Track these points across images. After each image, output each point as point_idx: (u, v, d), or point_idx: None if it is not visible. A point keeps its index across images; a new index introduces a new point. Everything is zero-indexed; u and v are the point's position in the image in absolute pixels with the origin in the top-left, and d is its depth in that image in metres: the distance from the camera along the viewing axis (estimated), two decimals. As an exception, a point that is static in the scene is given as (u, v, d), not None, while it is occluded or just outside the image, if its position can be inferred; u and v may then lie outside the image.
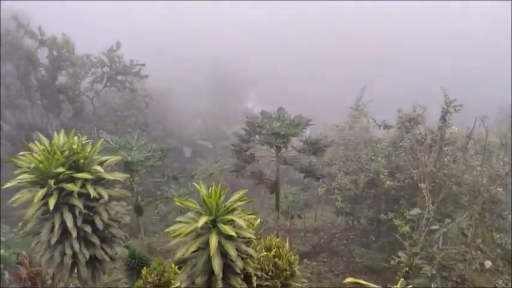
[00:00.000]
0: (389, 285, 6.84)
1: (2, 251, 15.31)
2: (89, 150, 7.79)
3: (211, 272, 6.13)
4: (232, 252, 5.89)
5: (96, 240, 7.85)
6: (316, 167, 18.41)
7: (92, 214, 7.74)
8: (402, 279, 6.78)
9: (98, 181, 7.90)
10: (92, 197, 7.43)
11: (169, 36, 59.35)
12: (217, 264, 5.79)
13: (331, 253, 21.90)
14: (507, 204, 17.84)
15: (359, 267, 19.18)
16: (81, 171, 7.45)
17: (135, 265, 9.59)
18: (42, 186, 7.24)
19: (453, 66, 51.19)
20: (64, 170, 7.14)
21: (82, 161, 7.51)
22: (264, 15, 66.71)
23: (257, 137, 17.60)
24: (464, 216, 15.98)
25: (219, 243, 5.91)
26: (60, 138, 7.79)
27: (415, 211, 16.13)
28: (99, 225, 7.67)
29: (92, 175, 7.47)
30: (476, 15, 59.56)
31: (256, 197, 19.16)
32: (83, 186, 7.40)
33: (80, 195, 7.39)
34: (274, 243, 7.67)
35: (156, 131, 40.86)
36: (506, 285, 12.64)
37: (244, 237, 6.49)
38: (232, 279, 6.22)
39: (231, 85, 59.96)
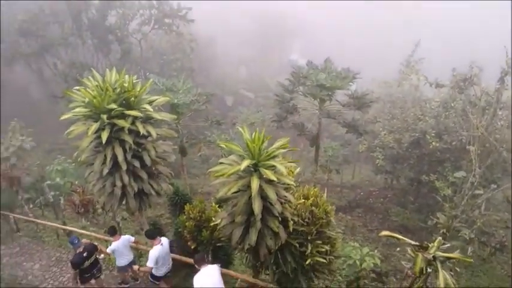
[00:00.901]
0: (425, 243, 6.82)
1: (58, 179, 16.62)
2: (138, 89, 8.02)
3: (251, 212, 6.37)
4: (272, 196, 6.05)
5: (143, 175, 8.33)
6: (359, 123, 18.00)
7: (140, 150, 8.14)
8: (440, 238, 6.76)
9: (147, 120, 8.21)
10: (141, 134, 7.77)
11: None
12: (257, 206, 6.00)
13: (366, 209, 21.98)
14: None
15: (394, 225, 19.22)
16: (132, 108, 7.75)
17: (178, 202, 10.14)
18: (96, 121, 7.64)
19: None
20: (116, 106, 7.46)
21: (132, 99, 7.78)
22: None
23: (301, 88, 17.34)
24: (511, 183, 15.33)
25: (260, 186, 6.07)
26: (112, 76, 8.06)
27: (460, 174, 15.65)
28: (147, 161, 8.08)
29: (141, 113, 7.75)
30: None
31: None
32: (133, 123, 7.72)
33: (130, 131, 7.74)
34: (312, 192, 7.77)
35: (199, 77, 41.19)
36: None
37: (283, 183, 6.62)
38: (270, 221, 6.45)
39: (276, 36, 58.47)
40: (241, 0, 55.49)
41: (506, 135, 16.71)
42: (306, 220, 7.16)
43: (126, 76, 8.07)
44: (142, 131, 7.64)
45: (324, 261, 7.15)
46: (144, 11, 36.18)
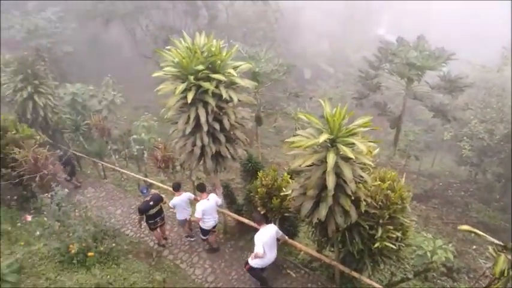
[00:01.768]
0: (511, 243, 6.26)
1: (143, 134, 17.91)
2: (224, 54, 8.18)
3: (323, 187, 6.32)
4: (347, 174, 5.92)
5: (222, 138, 8.61)
6: (448, 108, 16.68)
7: (221, 114, 8.39)
8: (530, 241, 6.15)
9: (230, 85, 8.38)
10: (223, 98, 7.99)
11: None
12: (331, 181, 5.92)
13: (443, 201, 20.63)
14: None
15: (473, 221, 17.87)
16: (217, 72, 7.95)
17: (251, 168, 10.37)
18: (183, 81, 7.99)
19: None
20: (203, 68, 7.71)
21: (218, 62, 7.96)
22: None
23: (387, 65, 16.43)
24: None
25: (336, 162, 5.95)
26: (201, 39, 8.29)
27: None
28: (226, 125, 8.32)
29: (225, 78, 7.92)
30: None
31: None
32: (217, 87, 7.94)
33: (213, 94, 7.99)
34: (389, 175, 7.46)
35: (281, 47, 40.77)
36: None
37: (360, 162, 6.43)
38: (342, 198, 6.35)
39: (362, 9, 55.34)
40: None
41: None
42: (380, 203, 6.93)
43: (214, 40, 8.25)
44: (225, 95, 7.84)
45: (393, 247, 6.92)
46: (234, -23, 36.42)
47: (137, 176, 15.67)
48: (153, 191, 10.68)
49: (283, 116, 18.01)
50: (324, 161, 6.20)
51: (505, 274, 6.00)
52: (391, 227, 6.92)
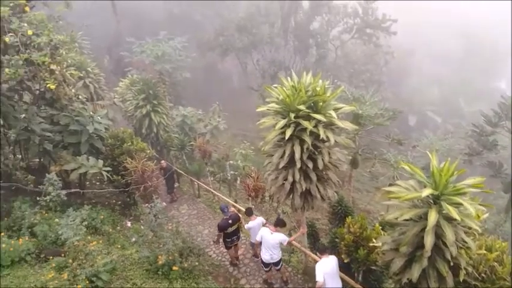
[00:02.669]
0: None
1: (239, 161, 18.68)
2: (328, 94, 8.24)
3: (419, 246, 5.84)
4: (449, 236, 5.39)
5: (313, 176, 8.55)
6: None
7: (316, 153, 8.38)
8: None
9: (329, 125, 8.37)
10: (320, 138, 8.00)
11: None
12: (429, 242, 5.44)
13: None
14: None
15: None
16: (318, 112, 8.02)
17: (340, 211, 10.09)
18: (284, 117, 8.22)
19: None
20: (304, 107, 7.86)
21: (321, 103, 8.06)
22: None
23: (508, 123, 14.86)
24: None
25: (437, 221, 5.49)
26: (307, 79, 8.51)
27: None
28: (320, 164, 8.26)
29: (325, 118, 7.95)
30: None
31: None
32: (315, 126, 7.99)
33: (310, 133, 8.05)
34: (498, 245, 6.62)
35: (386, 91, 39.67)
36: None
37: (464, 226, 5.83)
38: (439, 262, 5.78)
39: (482, 58, 51.11)
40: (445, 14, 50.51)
41: None
42: (483, 275, 6.15)
43: (320, 81, 8.39)
44: (322, 135, 7.84)
45: (493, 329, 6.02)
46: (348, 19, 36.88)
47: (227, 199, 16.28)
48: (232, 209, 11.21)
49: (381, 162, 17.26)
50: (423, 217, 5.79)
51: None
52: (494, 306, 6.06)
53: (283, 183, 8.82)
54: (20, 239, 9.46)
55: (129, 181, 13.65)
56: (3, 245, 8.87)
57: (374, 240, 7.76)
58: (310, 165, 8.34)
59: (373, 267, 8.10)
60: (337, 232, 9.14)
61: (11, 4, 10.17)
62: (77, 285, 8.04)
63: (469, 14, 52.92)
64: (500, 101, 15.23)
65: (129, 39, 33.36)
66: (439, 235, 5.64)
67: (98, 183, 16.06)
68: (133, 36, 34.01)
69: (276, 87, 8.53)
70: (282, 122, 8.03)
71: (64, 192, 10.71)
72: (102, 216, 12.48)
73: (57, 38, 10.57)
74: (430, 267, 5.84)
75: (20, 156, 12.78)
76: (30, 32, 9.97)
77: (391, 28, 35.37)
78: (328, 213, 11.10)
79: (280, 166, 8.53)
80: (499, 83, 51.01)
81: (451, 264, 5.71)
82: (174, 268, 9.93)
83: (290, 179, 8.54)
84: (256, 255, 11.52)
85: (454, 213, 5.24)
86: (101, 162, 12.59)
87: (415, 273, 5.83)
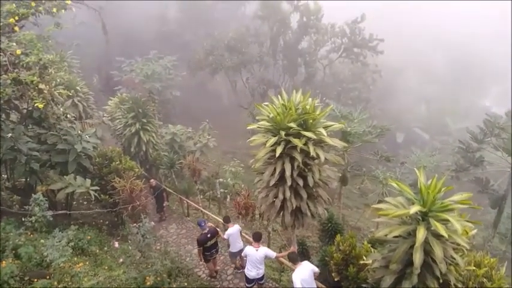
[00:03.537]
0: None
1: (229, 179, 18.63)
2: (318, 113, 8.35)
3: (408, 263, 5.86)
4: (438, 253, 5.42)
5: (304, 194, 8.57)
6: None
7: (306, 171, 8.42)
8: None
9: (318, 143, 8.45)
10: (310, 155, 8.06)
11: (414, 14, 55.57)
12: (418, 259, 5.46)
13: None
14: None
15: None
16: (308, 130, 8.11)
17: (330, 229, 10.08)
18: (274, 135, 8.28)
19: None
20: (294, 125, 7.95)
21: (311, 121, 8.16)
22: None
23: (493, 139, 15.17)
24: None
25: (426, 238, 5.52)
26: (297, 97, 8.63)
27: None
28: (310, 181, 8.29)
29: (315, 136, 8.04)
30: None
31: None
32: (305, 144, 8.06)
33: (301, 151, 8.11)
34: (486, 261, 6.68)
35: (374, 109, 40.24)
36: None
37: (453, 242, 5.87)
38: (428, 279, 5.78)
39: (469, 76, 52.42)
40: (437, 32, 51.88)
41: None
42: (472, 291, 6.18)
43: (310, 99, 8.51)
44: (312, 152, 7.90)
45: None
46: (336, 39, 37.64)
47: (217, 218, 16.13)
48: (209, 224, 11.26)
49: (370, 179, 17.39)
50: (412, 234, 5.81)
51: None
52: (484, 322, 6.07)
53: (274, 201, 8.81)
54: (3, 261, 9.19)
55: (117, 200, 13.49)
56: (-15, 268, 8.62)
57: (364, 257, 7.75)
58: (301, 182, 8.38)
59: (364, 285, 8.04)
60: (327, 250, 9.11)
61: (1, 24, 10.18)
62: (62, 308, 7.82)
63: (457, 31, 54.35)
64: (485, 118, 15.57)
65: (119, 58, 33.50)
66: (428, 252, 5.67)
67: (85, 202, 15.81)
68: (123, 55, 34.17)
69: (266, 105, 8.62)
70: (273, 140, 8.09)
71: (50, 213, 10.51)
72: (89, 237, 12.23)
73: (46, 57, 10.54)
74: (420, 284, 5.85)
75: (6, 176, 12.55)
76: (19, 52, 9.95)
77: (378, 47, 36.16)
78: (318, 231, 11.08)
79: (271, 184, 8.54)
80: (485, 101, 52.17)
81: (441, 281, 5.73)
82: (163, 289, 9.74)
83: (281, 196, 8.55)
84: (238, 267, 11.64)
85: (441, 229, 5.29)
86: (88, 181, 12.43)
87: (405, 290, 5.83)
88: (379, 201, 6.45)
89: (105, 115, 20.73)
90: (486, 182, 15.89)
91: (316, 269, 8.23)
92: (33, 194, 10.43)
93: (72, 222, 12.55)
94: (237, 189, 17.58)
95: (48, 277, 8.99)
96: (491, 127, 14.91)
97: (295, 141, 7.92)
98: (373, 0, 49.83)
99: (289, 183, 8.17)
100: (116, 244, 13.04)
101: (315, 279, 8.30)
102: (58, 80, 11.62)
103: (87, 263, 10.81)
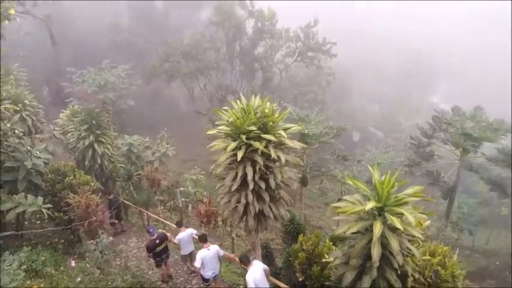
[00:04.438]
0: None
1: (190, 187, 18.38)
2: (276, 116, 8.48)
3: (368, 257, 6.05)
4: (394, 246, 5.65)
5: (266, 197, 8.63)
6: (506, 182, 15.71)
7: (268, 173, 8.51)
8: None
9: (279, 145, 8.57)
10: (271, 158, 8.15)
11: (366, 15, 57.88)
12: (376, 253, 5.67)
13: (500, 283, 18.68)
14: None
15: (538, 310, 15.93)
16: (268, 133, 8.21)
17: (292, 230, 10.22)
18: (234, 140, 8.30)
19: None
20: (254, 129, 8.02)
21: (270, 124, 8.27)
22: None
23: (442, 134, 16.07)
24: None
25: (382, 232, 5.74)
26: (255, 101, 8.72)
27: None
28: (272, 184, 8.38)
29: (275, 138, 8.15)
30: None
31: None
32: (266, 146, 8.15)
33: (262, 154, 8.18)
34: (440, 250, 7.04)
35: (330, 110, 41.37)
36: None
37: (408, 234, 6.14)
38: (387, 271, 6.01)
39: (418, 75, 55.36)
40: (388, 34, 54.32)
41: None
42: (428, 280, 6.48)
43: (268, 103, 8.63)
44: (273, 155, 8.00)
45: (442, 329, 6.33)
46: (291, 44, 38.33)
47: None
48: (159, 230, 11.22)
49: (329, 178, 17.85)
50: (370, 229, 6.00)
51: None
52: (441, 307, 6.39)
53: (236, 206, 8.80)
54: None
55: (72, 217, 12.89)
56: None
57: (326, 255, 7.92)
58: (263, 185, 8.43)
59: (327, 283, 8.21)
60: (291, 251, 9.22)
61: None
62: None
63: (406, 32, 57.13)
64: (433, 114, 16.43)
65: (70, 69, 32.11)
66: (385, 245, 5.89)
67: (38, 221, 14.96)
68: (74, 65, 32.79)
69: (225, 110, 8.63)
70: (233, 144, 8.09)
71: (-1, 235, 9.88)
72: (43, 258, 11.55)
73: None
74: (379, 278, 6.05)
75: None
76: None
77: (332, 50, 37.23)
78: (281, 233, 11.18)
79: (233, 189, 8.53)
80: (433, 98, 55.07)
81: (399, 272, 5.96)
82: (125, 305, 9.44)
83: (243, 201, 8.55)
84: (191, 270, 11.81)
85: (397, 223, 5.52)
86: (40, 199, 11.76)
87: (365, 284, 6.01)
88: (339, 200, 6.63)
89: (56, 129, 19.74)
90: (437, 174, 16.75)
91: (266, 267, 8.51)
92: (-21, 216, 9.76)
93: (24, 244, 11.86)
94: (198, 197, 17.37)
95: (-1, 304, 8.44)
96: (439, 123, 15.75)
97: (256, 144, 7.98)
98: (325, 0, 51.67)
99: (251, 186, 8.20)
100: (73, 263, 12.43)
101: (281, 277, 8.42)
102: (4, 95, 11.01)
103: (42, 285, 10.23)
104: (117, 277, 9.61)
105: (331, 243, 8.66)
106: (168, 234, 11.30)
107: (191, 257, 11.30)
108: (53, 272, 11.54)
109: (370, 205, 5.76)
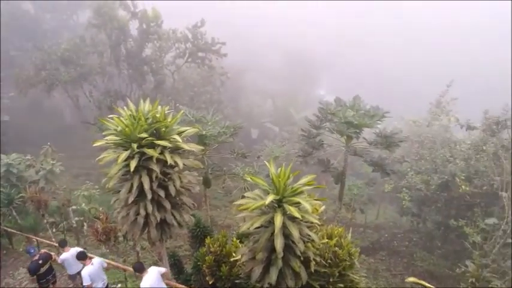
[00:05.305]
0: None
1: (83, 204, 16.92)
2: (169, 120, 8.24)
3: (272, 249, 6.26)
4: (295, 234, 5.95)
5: (167, 205, 8.36)
6: (386, 162, 17.68)
7: (166, 180, 8.24)
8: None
9: (175, 150, 8.34)
10: (168, 164, 7.90)
11: (252, 19, 60.04)
12: (279, 244, 5.90)
13: (390, 252, 21.17)
14: None
15: (419, 270, 18.38)
16: (162, 138, 7.93)
17: (199, 234, 10.09)
18: (126, 149, 7.84)
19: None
20: (147, 135, 7.67)
21: (163, 129, 7.99)
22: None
23: (328, 124, 17.33)
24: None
25: (283, 223, 5.99)
26: (145, 106, 8.34)
27: (491, 220, 15.01)
28: (172, 191, 8.13)
29: (170, 143, 7.91)
30: None
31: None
32: (161, 153, 7.87)
33: (157, 161, 7.88)
34: (336, 232, 7.60)
35: (227, 109, 41.85)
36: None
37: (307, 221, 6.52)
38: (291, 260, 6.30)
39: (304, 70, 59.35)
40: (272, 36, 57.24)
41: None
42: (329, 261, 6.95)
43: (159, 107, 8.32)
44: (170, 161, 7.76)
45: (346, 305, 6.87)
46: (180, 45, 37.65)
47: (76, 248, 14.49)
48: (42, 250, 10.42)
49: (232, 177, 18.03)
50: (272, 222, 6.20)
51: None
52: (342, 285, 6.90)
53: (136, 218, 8.36)
54: None
55: None
56: None
57: (234, 254, 7.99)
58: (162, 193, 8.15)
59: (238, 281, 8.30)
60: (198, 255, 9.09)
61: None
62: None
63: (288, 33, 60.77)
64: (319, 106, 17.65)
65: None
66: (287, 235, 6.16)
67: None
68: None
69: (112, 118, 8.09)
70: (125, 154, 7.64)
71: None
72: None
73: None
74: (285, 267, 6.32)
75: None
76: None
77: (222, 50, 37.62)
78: (189, 238, 10.95)
79: (130, 201, 8.08)
80: (320, 90, 59.39)
81: (302, 259, 6.30)
82: None
83: (142, 212, 8.16)
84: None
85: (295, 212, 5.81)
86: None
87: (273, 276, 6.23)
88: (242, 197, 6.72)
89: None
90: (327, 162, 18.07)
91: (163, 269, 8.43)
92: None
93: None
94: (94, 214, 16.08)
95: None
96: (325, 114, 16.95)
97: (150, 151, 7.66)
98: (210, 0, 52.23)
99: (149, 196, 7.86)
100: None
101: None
102: None
103: None
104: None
105: (238, 241, 8.75)
106: (52, 254, 10.46)
107: (79, 275, 10.43)
108: None
109: (269, 198, 5.96)
